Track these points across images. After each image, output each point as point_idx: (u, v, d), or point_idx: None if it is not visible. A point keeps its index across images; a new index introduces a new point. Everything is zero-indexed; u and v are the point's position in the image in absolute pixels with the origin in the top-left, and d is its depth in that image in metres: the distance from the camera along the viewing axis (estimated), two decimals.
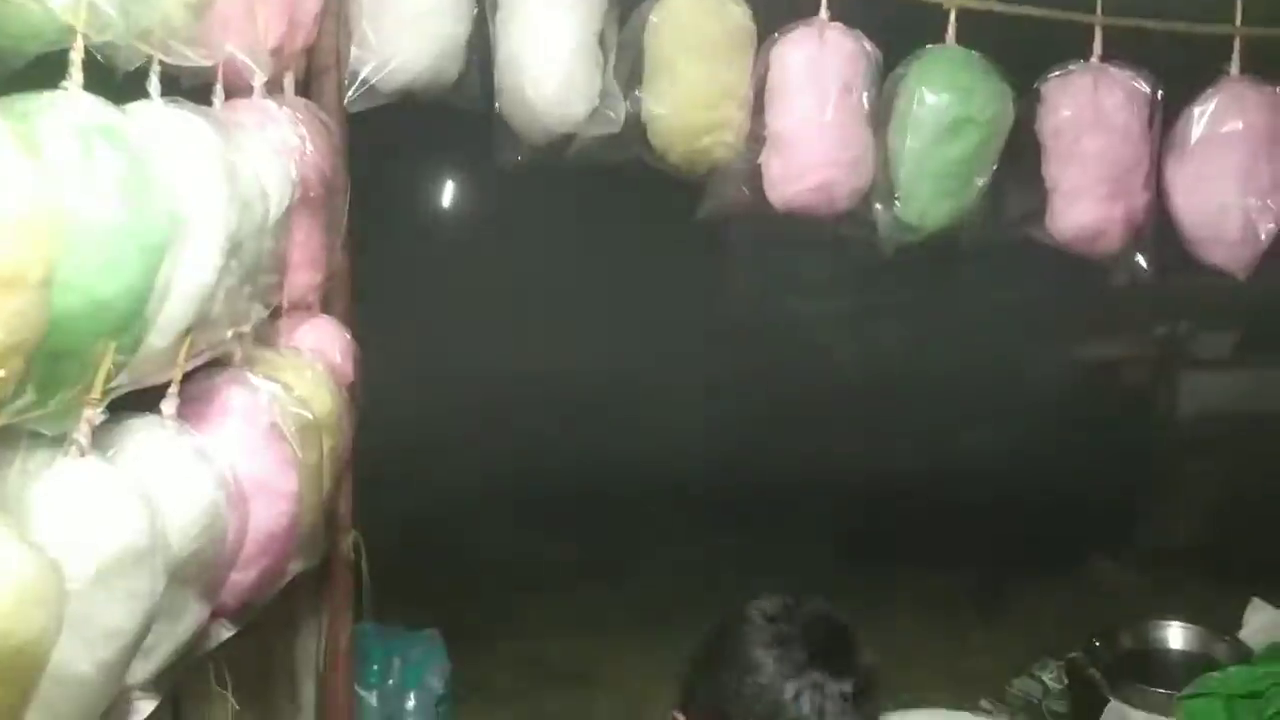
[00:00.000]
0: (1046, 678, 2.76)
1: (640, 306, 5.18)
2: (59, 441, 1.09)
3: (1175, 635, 2.88)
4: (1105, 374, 5.09)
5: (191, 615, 1.32)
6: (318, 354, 1.68)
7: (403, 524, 4.12)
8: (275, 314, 1.58)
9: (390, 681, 2.38)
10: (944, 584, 4.07)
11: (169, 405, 1.27)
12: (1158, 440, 4.83)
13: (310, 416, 1.55)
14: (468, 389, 5.02)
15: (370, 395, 1.82)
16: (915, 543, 4.24)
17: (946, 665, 3.41)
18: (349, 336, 1.80)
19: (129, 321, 1.08)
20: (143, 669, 1.24)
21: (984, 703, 2.77)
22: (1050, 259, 2.23)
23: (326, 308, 1.81)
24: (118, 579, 1.07)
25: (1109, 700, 2.65)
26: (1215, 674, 2.53)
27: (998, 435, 4.99)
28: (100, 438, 1.13)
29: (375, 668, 2.36)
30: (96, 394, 1.07)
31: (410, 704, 2.37)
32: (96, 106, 1.06)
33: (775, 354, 5.26)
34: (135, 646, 1.13)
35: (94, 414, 1.08)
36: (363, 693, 2.26)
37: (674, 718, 1.44)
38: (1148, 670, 2.74)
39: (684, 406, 5.23)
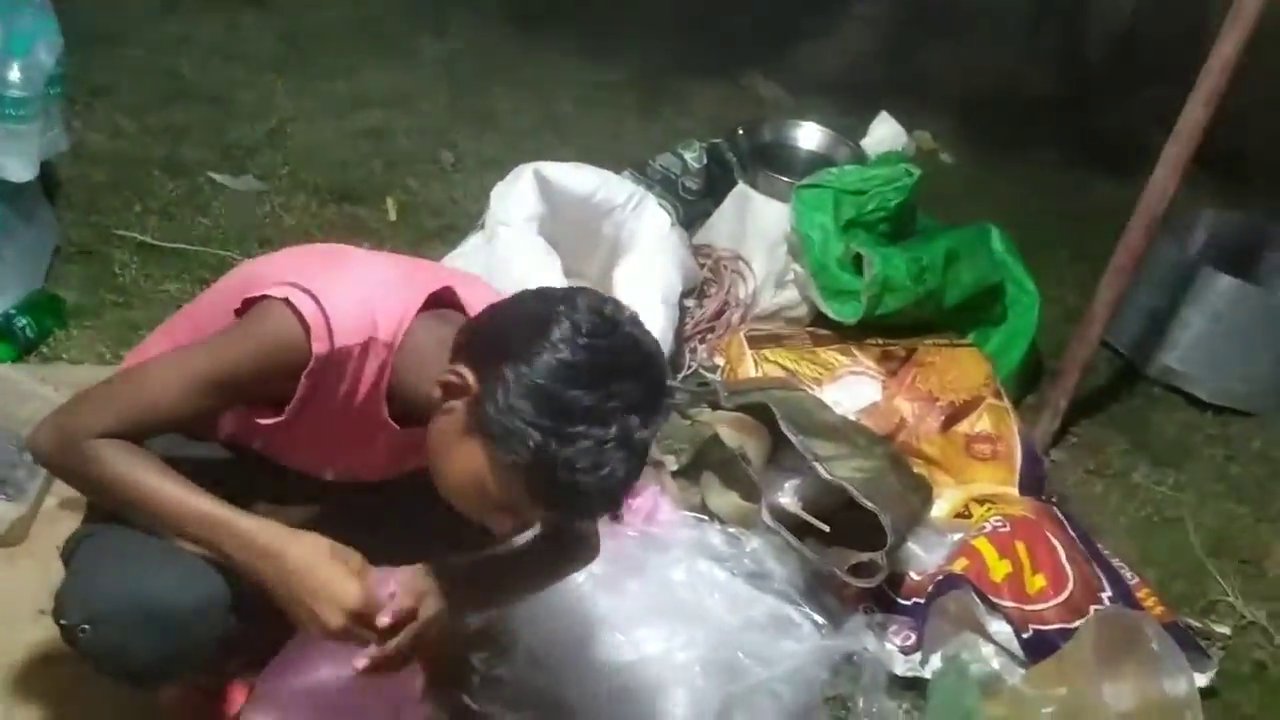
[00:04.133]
0: (689, 156, 2.90)
1: None
2: None
3: (808, 135, 3.10)
4: None
5: None
6: None
7: None
8: None
9: None
10: (610, 72, 4.09)
11: None
12: None
13: None
14: None
15: None
16: (588, 29, 4.18)
17: (601, 144, 3.50)
18: None
19: None
20: None
21: (626, 173, 2.89)
22: None
23: None
24: None
25: (738, 183, 2.87)
26: (833, 170, 2.79)
27: None
28: None
29: None
30: None
31: (14, 75, 2.06)
32: None
33: None
34: None
35: None
36: None
37: (457, 373, 1.25)
38: (778, 162, 2.96)
39: None
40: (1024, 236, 3.13)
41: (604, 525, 2.00)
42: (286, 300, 1.27)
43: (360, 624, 1.30)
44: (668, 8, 4.33)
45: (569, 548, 1.61)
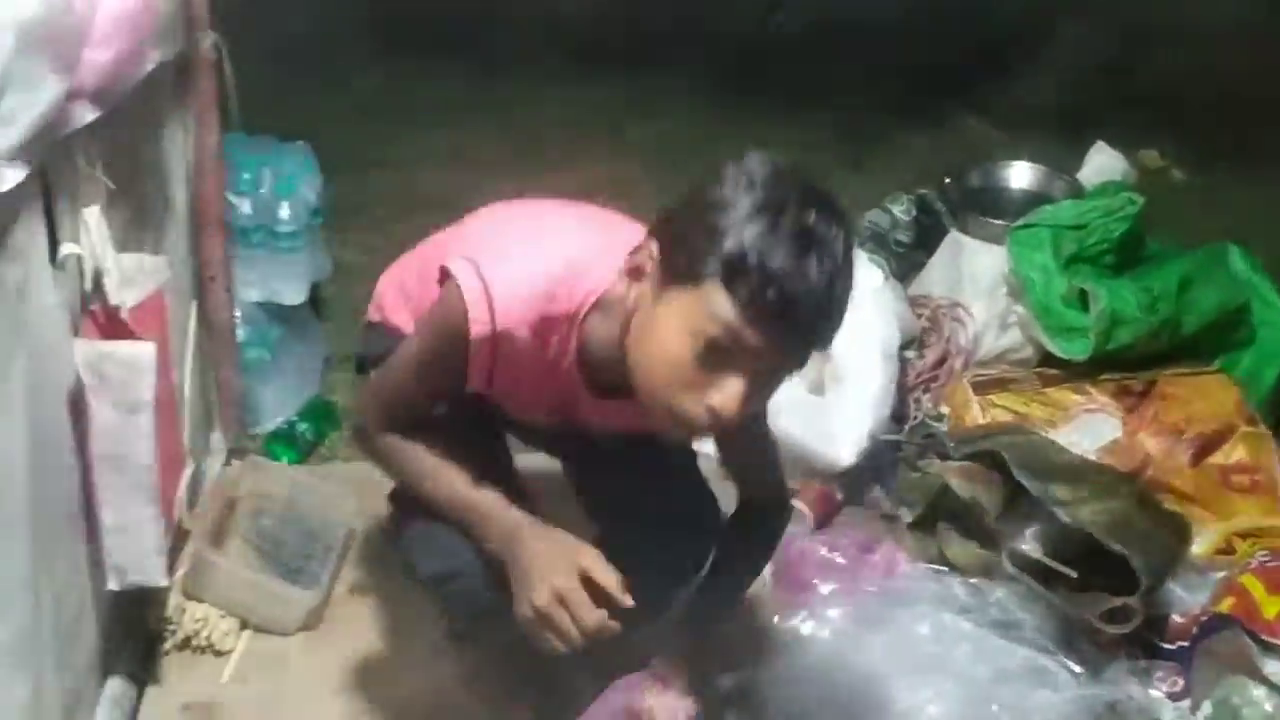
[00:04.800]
0: (897, 210, 2.92)
1: None
2: None
3: (1019, 174, 3.05)
4: None
5: (49, 87, 1.28)
6: None
7: (274, 42, 3.94)
8: None
9: (262, 190, 2.37)
10: (814, 131, 4.16)
11: None
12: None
13: None
14: None
15: None
16: (789, 90, 4.27)
17: None
18: None
19: None
20: (4, 137, 1.23)
21: None
22: None
23: None
24: None
25: (949, 231, 2.87)
26: (1048, 208, 2.74)
27: None
28: None
29: (246, 176, 2.34)
30: None
31: (285, 212, 2.38)
32: None
33: None
34: None
35: None
36: (234, 199, 2.26)
37: (637, 250, 1.29)
38: (990, 205, 2.92)
39: None
40: (1270, 249, 2.95)
41: (843, 582, 2.05)
42: (457, 282, 1.33)
43: (564, 605, 1.33)
44: (868, 57, 4.37)
45: (766, 511, 1.70)
